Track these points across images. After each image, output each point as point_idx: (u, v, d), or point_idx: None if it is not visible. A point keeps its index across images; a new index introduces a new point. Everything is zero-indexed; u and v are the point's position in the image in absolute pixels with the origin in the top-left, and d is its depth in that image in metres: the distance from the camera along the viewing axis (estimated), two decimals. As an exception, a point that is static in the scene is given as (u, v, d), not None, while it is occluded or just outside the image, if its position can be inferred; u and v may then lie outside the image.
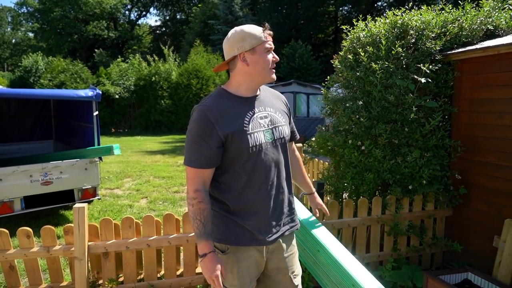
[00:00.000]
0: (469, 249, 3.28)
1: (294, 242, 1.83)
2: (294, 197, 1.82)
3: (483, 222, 3.15)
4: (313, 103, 16.34)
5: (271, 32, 1.63)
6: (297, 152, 2.00)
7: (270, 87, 18.04)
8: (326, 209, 2.04)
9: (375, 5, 32.68)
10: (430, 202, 3.30)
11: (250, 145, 1.56)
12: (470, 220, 3.28)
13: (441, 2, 3.55)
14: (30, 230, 2.57)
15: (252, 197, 1.60)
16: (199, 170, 1.55)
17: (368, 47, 3.21)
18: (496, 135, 2.99)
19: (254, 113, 1.62)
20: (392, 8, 3.45)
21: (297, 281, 1.80)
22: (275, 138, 1.65)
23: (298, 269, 1.82)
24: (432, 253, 3.39)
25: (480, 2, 3.40)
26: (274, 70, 1.64)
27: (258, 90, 1.69)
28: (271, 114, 1.67)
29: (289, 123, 1.81)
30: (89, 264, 2.72)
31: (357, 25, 3.51)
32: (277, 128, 1.66)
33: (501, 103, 2.92)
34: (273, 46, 1.63)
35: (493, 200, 3.06)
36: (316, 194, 2.04)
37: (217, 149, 1.54)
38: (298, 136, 1.91)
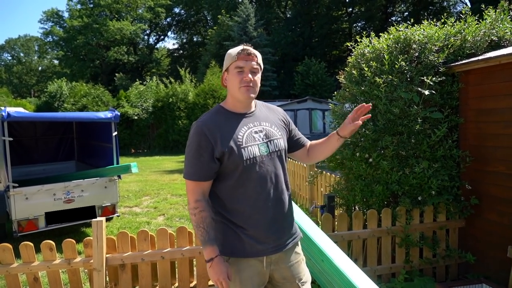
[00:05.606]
0: (485, 260, 3.22)
1: (299, 250, 1.84)
2: (297, 207, 1.87)
3: (496, 232, 3.11)
4: (329, 119, 16.41)
5: (251, 51, 1.65)
6: (309, 142, 1.97)
7: (287, 103, 18.02)
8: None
9: (389, 20, 32.80)
10: (441, 213, 3.29)
11: (245, 158, 1.63)
12: (483, 231, 3.24)
13: (444, 15, 3.63)
14: (53, 243, 2.73)
15: (248, 209, 1.66)
16: (198, 183, 1.64)
17: (372, 62, 3.30)
18: (505, 145, 2.98)
19: (248, 128, 1.71)
20: (405, 23, 3.54)
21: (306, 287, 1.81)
22: (271, 151, 1.72)
23: (306, 276, 1.82)
24: (447, 265, 3.36)
25: (484, 13, 3.47)
26: (246, 89, 1.64)
27: (253, 106, 1.79)
28: (266, 128, 1.75)
29: (289, 134, 1.89)
30: (107, 277, 2.84)
31: (361, 41, 3.62)
32: (272, 142, 1.74)
33: (507, 112, 2.94)
34: (246, 65, 1.64)
35: (505, 210, 3.02)
36: (337, 130, 1.83)
37: (214, 163, 1.63)
38: (307, 141, 1.93)
